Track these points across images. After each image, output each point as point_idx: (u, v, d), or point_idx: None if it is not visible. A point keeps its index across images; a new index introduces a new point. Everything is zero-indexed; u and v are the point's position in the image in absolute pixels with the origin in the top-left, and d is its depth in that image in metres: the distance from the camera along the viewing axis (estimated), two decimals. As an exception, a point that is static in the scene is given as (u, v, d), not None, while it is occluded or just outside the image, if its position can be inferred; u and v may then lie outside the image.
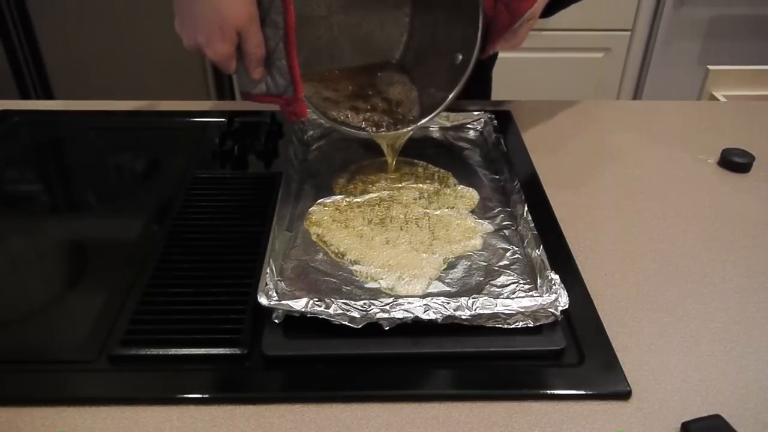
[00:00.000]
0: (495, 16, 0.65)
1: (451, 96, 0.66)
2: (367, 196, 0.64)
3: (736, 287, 0.55)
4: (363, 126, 0.67)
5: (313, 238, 0.58)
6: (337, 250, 0.57)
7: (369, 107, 0.69)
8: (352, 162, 0.70)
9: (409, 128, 0.67)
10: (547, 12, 0.70)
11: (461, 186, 0.67)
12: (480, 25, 0.63)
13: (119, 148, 0.78)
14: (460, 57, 0.66)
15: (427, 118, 0.67)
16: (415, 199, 0.64)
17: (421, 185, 0.67)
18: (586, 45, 1.73)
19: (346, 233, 0.59)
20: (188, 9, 0.55)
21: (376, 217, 0.61)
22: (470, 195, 0.65)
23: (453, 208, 0.63)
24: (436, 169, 0.70)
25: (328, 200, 0.64)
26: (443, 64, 0.68)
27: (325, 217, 0.61)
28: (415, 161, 0.71)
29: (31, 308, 0.53)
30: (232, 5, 0.53)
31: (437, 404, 0.44)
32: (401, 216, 0.61)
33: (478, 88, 0.97)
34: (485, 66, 0.98)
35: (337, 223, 0.60)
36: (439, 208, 0.63)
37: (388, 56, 0.75)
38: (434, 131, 0.77)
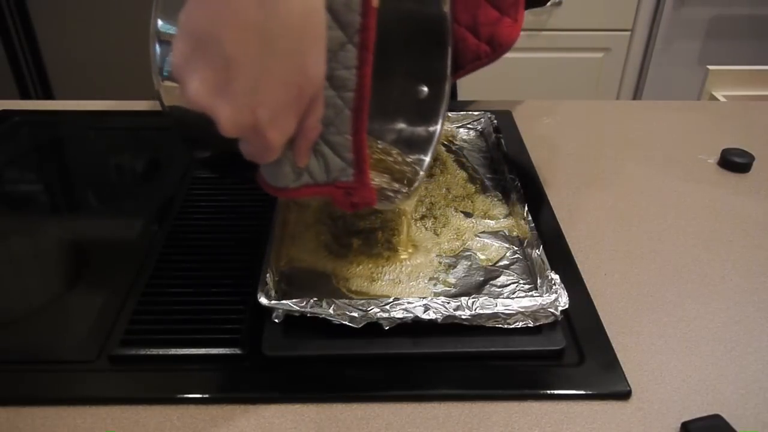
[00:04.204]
0: (464, 47, 0.58)
1: (439, 126, 0.58)
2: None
3: (735, 287, 0.55)
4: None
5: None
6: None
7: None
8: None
9: (421, 174, 0.57)
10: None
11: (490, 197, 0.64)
12: (449, 55, 0.56)
13: (119, 148, 0.78)
14: (426, 90, 0.58)
15: (429, 156, 0.58)
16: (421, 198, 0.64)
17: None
18: (586, 45, 1.73)
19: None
20: (247, 64, 0.34)
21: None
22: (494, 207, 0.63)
23: (455, 209, 0.63)
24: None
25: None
26: (400, 101, 0.59)
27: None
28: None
29: (31, 308, 0.53)
30: (320, 59, 0.36)
31: (437, 404, 0.44)
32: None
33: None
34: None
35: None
36: (442, 208, 0.63)
37: None
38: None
